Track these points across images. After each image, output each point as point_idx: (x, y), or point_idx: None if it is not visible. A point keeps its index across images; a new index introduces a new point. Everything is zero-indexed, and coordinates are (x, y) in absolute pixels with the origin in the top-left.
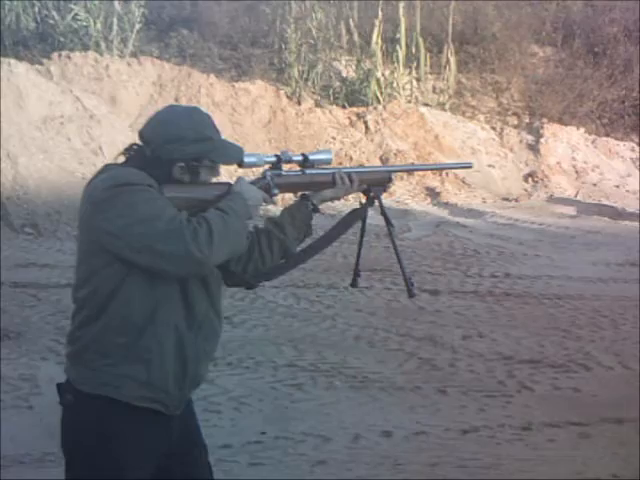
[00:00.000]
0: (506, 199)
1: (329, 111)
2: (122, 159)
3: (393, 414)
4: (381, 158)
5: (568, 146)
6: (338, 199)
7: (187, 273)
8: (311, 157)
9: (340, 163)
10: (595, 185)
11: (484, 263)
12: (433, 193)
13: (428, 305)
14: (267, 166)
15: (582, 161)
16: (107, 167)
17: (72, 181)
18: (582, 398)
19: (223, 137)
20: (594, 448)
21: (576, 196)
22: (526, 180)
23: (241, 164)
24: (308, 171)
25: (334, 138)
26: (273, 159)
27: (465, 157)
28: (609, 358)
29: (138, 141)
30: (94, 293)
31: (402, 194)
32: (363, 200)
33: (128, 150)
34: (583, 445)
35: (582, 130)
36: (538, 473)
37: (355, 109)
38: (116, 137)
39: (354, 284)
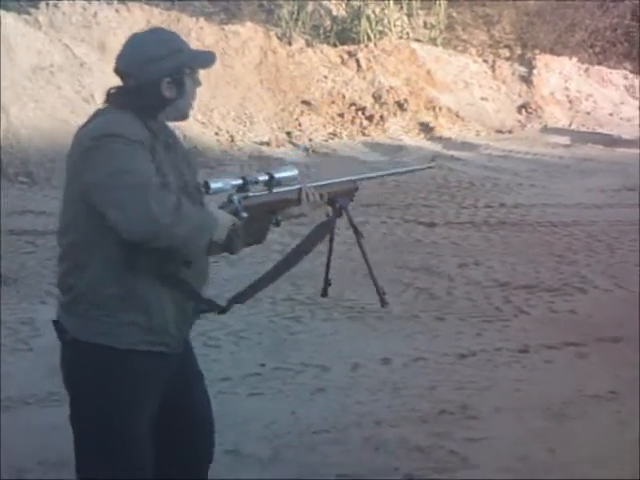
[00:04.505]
0: (500, 131)
1: (320, 50)
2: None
3: (391, 342)
4: (373, 95)
5: (561, 76)
6: (305, 216)
7: (143, 236)
8: (277, 175)
9: (333, 102)
10: (589, 114)
11: (479, 194)
12: (427, 128)
13: (424, 237)
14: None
15: (575, 90)
16: (99, 112)
17: (65, 129)
18: (579, 320)
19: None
20: (592, 367)
21: (570, 126)
22: (519, 111)
23: (207, 190)
24: (275, 190)
25: (326, 77)
26: (239, 182)
27: (458, 91)
28: (605, 281)
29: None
30: (78, 241)
31: (395, 130)
32: (330, 212)
33: (110, 95)
34: (581, 364)
35: (575, 60)
36: (536, 392)
37: (346, 47)
38: (107, 84)
39: (324, 294)
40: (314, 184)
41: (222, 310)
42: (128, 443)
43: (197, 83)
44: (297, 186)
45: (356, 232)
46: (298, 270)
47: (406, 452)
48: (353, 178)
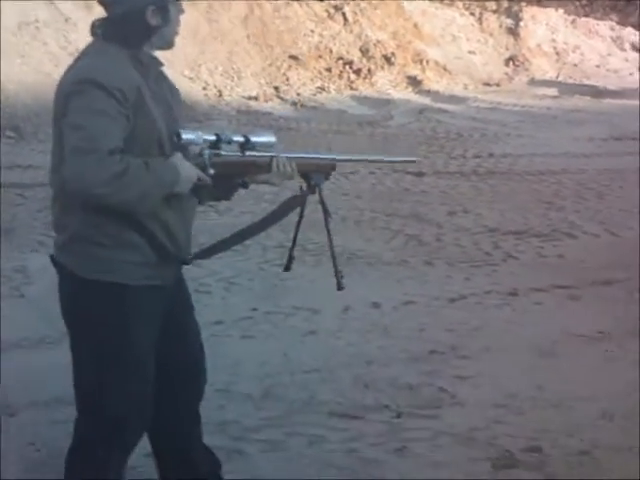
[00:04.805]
0: (487, 84)
1: (306, 4)
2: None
3: (381, 287)
4: (361, 49)
5: (548, 28)
6: (274, 185)
7: (75, 196)
8: (253, 139)
9: (320, 56)
10: (576, 66)
11: (468, 145)
12: (414, 81)
13: (413, 186)
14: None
15: (562, 42)
16: (84, 52)
17: (51, 84)
18: (568, 264)
19: None
20: (580, 308)
21: (557, 77)
22: (507, 64)
23: (179, 140)
24: (248, 153)
25: (312, 31)
26: (213, 138)
27: (445, 44)
28: (594, 226)
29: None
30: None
31: (383, 84)
32: (304, 187)
33: (95, 27)
34: (569, 306)
35: (561, 11)
36: (526, 333)
37: (332, 1)
38: None
39: (287, 268)
40: (289, 155)
41: (184, 263)
42: (128, 371)
43: (180, 10)
44: (270, 154)
45: (325, 212)
46: (287, 219)
47: (396, 390)
48: (331, 157)
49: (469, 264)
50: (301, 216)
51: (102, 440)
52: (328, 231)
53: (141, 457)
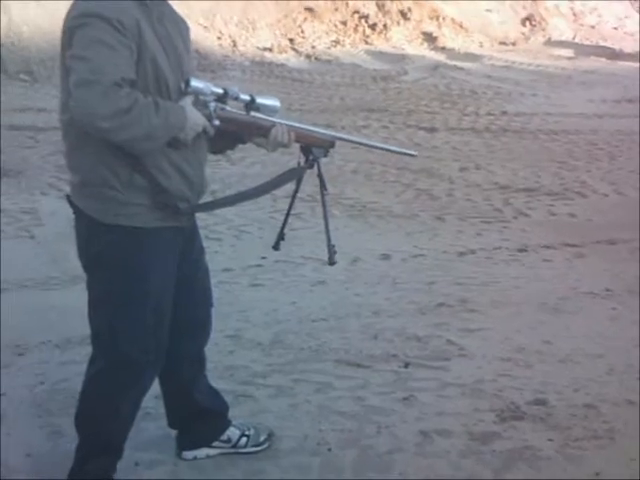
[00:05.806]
0: (503, 43)
1: None
2: None
3: (391, 239)
4: (377, 3)
5: None
6: (267, 150)
7: (84, 128)
8: (258, 100)
9: (336, 9)
10: (593, 27)
11: (481, 102)
12: (430, 38)
13: (425, 142)
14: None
15: (580, 3)
16: None
17: None
18: (577, 222)
19: None
20: (588, 266)
21: (574, 39)
22: (524, 24)
23: (188, 85)
24: (252, 113)
25: None
26: (220, 91)
27: (462, 2)
28: (604, 186)
29: None
30: (72, 120)
31: (398, 39)
32: (302, 160)
33: None
34: (578, 264)
35: None
36: (534, 289)
37: None
38: None
39: (276, 247)
40: (290, 123)
41: (181, 213)
42: (144, 312)
43: None
44: (273, 119)
45: (322, 187)
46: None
47: (403, 341)
48: (331, 134)
49: (480, 220)
50: (296, 192)
51: (116, 379)
52: (324, 206)
53: (152, 398)
